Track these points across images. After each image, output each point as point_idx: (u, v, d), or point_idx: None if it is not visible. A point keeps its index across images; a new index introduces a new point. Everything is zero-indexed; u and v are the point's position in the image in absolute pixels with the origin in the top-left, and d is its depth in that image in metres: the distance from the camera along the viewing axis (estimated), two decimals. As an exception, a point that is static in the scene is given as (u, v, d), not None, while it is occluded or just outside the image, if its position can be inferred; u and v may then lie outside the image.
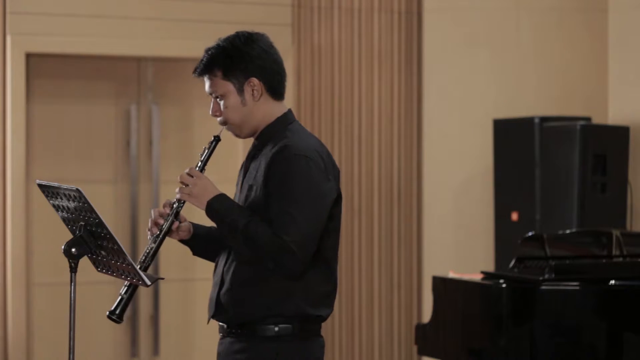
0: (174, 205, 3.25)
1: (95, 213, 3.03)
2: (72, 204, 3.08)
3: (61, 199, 3.11)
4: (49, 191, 3.15)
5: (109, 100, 7.04)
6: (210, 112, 3.29)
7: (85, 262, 3.17)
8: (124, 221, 7.02)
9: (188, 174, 3.24)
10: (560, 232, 5.72)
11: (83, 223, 3.08)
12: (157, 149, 7.04)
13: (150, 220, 3.24)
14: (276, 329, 3.12)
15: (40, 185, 3.17)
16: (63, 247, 3.07)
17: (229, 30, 3.39)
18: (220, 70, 3.20)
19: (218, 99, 3.24)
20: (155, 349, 7.05)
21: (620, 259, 5.31)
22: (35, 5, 6.57)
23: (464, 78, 7.24)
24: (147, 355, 7.04)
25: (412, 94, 7.37)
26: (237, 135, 3.30)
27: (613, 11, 7.27)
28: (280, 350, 3.14)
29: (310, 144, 3.17)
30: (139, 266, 3.09)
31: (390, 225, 7.30)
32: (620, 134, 6.75)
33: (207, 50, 3.26)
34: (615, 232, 5.37)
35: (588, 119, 6.81)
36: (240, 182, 3.28)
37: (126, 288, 3.14)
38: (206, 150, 3.32)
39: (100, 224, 3.04)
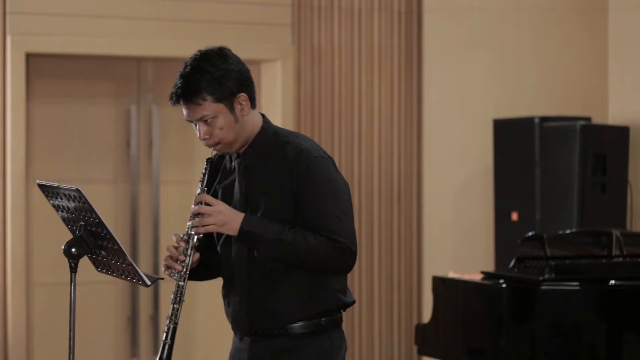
0: (194, 239, 3.14)
1: (95, 213, 3.03)
2: (72, 204, 3.08)
3: (61, 199, 3.11)
4: (49, 191, 3.15)
5: (109, 100, 7.04)
6: (201, 137, 3.16)
7: (85, 262, 3.17)
8: (124, 221, 7.02)
9: (205, 204, 3.12)
10: (560, 232, 5.72)
11: (83, 223, 3.08)
12: (157, 149, 7.04)
13: (167, 257, 3.17)
14: (323, 322, 3.16)
15: (40, 185, 3.17)
16: (63, 247, 3.07)
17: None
18: (208, 94, 3.13)
19: (207, 122, 3.14)
20: (156, 349, 7.04)
21: (620, 259, 5.30)
22: (35, 5, 6.57)
23: (464, 78, 7.24)
24: (147, 355, 7.04)
25: (412, 94, 7.37)
26: (227, 153, 3.24)
27: (613, 11, 7.27)
28: (331, 339, 3.18)
29: (314, 144, 3.22)
30: (173, 306, 3.12)
31: (390, 225, 7.30)
32: (620, 134, 6.75)
33: (184, 77, 3.17)
34: (615, 232, 5.37)
35: (588, 119, 6.81)
36: (241, 196, 3.19)
37: (165, 333, 3.17)
38: (204, 175, 3.20)
39: (100, 224, 3.04)
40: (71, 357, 3.09)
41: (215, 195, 3.24)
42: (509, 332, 4.97)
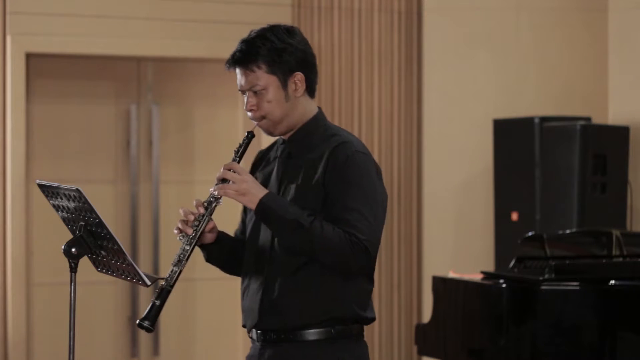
0: (212, 205, 3.05)
1: (95, 213, 3.03)
2: (72, 204, 3.08)
3: (61, 199, 3.11)
4: (49, 191, 3.15)
5: (109, 100, 7.04)
6: (246, 107, 3.07)
7: (85, 262, 3.17)
8: (124, 221, 7.02)
9: (231, 170, 3.01)
10: (560, 232, 5.72)
11: (83, 223, 3.08)
12: (157, 149, 7.04)
13: (180, 221, 3.07)
14: (333, 331, 3.07)
15: (40, 185, 3.17)
16: (63, 247, 3.06)
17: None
18: (264, 63, 3.03)
19: (256, 93, 3.05)
20: (155, 349, 7.05)
21: (620, 259, 5.30)
22: (35, 5, 6.57)
23: (464, 78, 7.24)
24: (147, 355, 7.04)
25: (412, 94, 7.37)
26: (270, 133, 3.11)
27: (613, 11, 7.27)
28: (341, 352, 3.11)
29: (361, 142, 3.13)
30: (172, 268, 3.02)
31: (390, 225, 7.29)
32: (620, 134, 6.75)
33: (246, 42, 3.06)
34: (615, 232, 5.37)
35: (588, 119, 6.81)
36: (276, 181, 3.12)
37: (157, 293, 3.03)
38: (242, 146, 3.08)
39: (100, 224, 3.04)
40: (71, 357, 3.09)
41: None
42: (509, 332, 4.97)
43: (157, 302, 3.03)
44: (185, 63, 7.09)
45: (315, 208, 3.01)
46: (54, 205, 3.18)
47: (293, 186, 3.06)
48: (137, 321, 3.04)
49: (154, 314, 3.03)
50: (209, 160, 7.13)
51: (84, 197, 3.01)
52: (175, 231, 3.09)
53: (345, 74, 7.25)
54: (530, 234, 5.56)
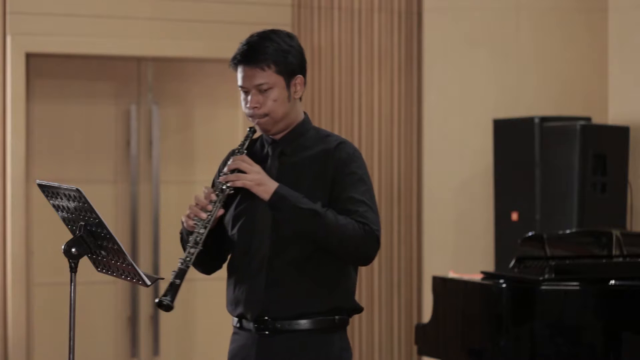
0: (224, 192, 3.12)
1: (95, 213, 3.03)
2: (72, 204, 3.08)
3: (61, 199, 3.11)
4: (49, 191, 3.15)
5: (109, 100, 7.04)
6: (250, 104, 3.14)
7: (85, 262, 3.17)
8: (124, 221, 7.02)
9: (244, 162, 3.12)
10: (560, 232, 5.72)
11: (83, 223, 3.08)
12: (157, 149, 7.04)
13: (192, 206, 3.13)
14: (335, 320, 3.15)
15: (40, 185, 3.17)
16: (63, 247, 3.06)
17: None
18: (274, 63, 3.13)
19: (262, 92, 3.14)
20: (155, 349, 7.05)
21: (620, 259, 5.31)
22: (35, 5, 6.57)
23: (464, 78, 7.24)
24: (147, 355, 7.04)
25: (412, 94, 7.37)
26: (267, 131, 3.20)
27: (613, 11, 7.27)
28: (342, 341, 3.18)
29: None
30: (190, 250, 3.07)
31: (390, 225, 7.30)
32: (620, 134, 6.75)
33: (253, 42, 3.15)
34: (615, 232, 5.37)
35: (588, 119, 6.81)
36: (275, 178, 3.16)
37: (176, 273, 3.06)
38: (246, 141, 3.21)
39: (100, 224, 3.04)
40: (71, 357, 3.09)
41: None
42: (509, 332, 4.97)
43: (178, 281, 3.07)
44: (185, 63, 7.09)
45: (323, 203, 3.09)
46: (54, 205, 3.18)
47: (296, 186, 3.12)
48: (157, 300, 3.06)
49: (174, 291, 3.07)
50: (209, 160, 7.12)
51: (84, 197, 3.01)
52: (183, 219, 3.15)
53: (345, 74, 7.25)
54: (530, 234, 5.56)
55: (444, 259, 7.16)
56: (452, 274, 5.57)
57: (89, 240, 3.09)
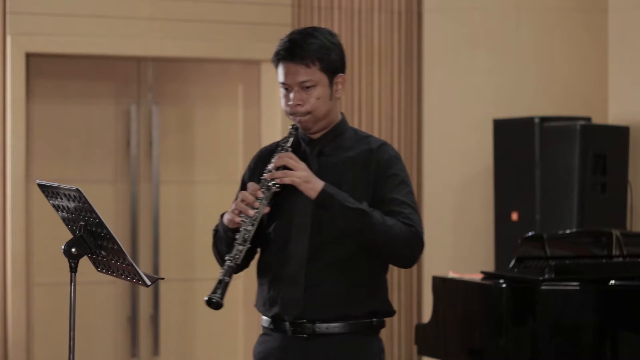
0: (271, 190, 3.06)
1: (95, 213, 3.03)
2: (72, 204, 3.08)
3: (61, 199, 3.11)
4: (49, 191, 3.15)
5: (109, 100, 7.04)
6: (292, 102, 3.10)
7: (85, 262, 3.17)
8: (124, 221, 7.02)
9: (291, 159, 3.07)
10: (560, 232, 5.72)
11: (83, 223, 3.08)
12: (157, 149, 7.04)
13: (238, 203, 3.07)
14: (374, 323, 3.15)
15: (40, 185, 3.17)
16: (63, 247, 3.06)
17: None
18: (319, 60, 3.09)
19: (305, 89, 3.10)
20: (155, 349, 7.05)
21: (620, 259, 5.30)
22: (35, 5, 6.57)
23: (464, 78, 7.24)
24: (147, 355, 7.04)
25: (412, 94, 7.37)
26: (307, 129, 3.15)
27: (613, 11, 7.27)
28: (379, 342, 3.18)
29: None
30: (238, 247, 3.03)
31: (390, 225, 7.29)
32: (620, 134, 6.75)
33: (297, 39, 3.12)
34: (615, 232, 5.37)
35: (588, 119, 6.81)
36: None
37: (225, 271, 3.03)
38: (290, 139, 3.15)
39: (100, 224, 3.04)
40: (71, 357, 3.09)
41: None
42: (509, 332, 4.97)
43: (226, 279, 3.04)
44: (185, 63, 7.09)
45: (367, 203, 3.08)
46: (54, 205, 3.18)
47: (338, 182, 3.09)
48: (206, 297, 3.02)
49: (223, 289, 3.03)
50: (209, 160, 7.13)
51: (84, 197, 3.01)
52: (227, 215, 3.09)
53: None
54: (530, 234, 5.56)
55: (444, 259, 7.16)
56: (452, 274, 5.57)
57: (89, 240, 3.09)
